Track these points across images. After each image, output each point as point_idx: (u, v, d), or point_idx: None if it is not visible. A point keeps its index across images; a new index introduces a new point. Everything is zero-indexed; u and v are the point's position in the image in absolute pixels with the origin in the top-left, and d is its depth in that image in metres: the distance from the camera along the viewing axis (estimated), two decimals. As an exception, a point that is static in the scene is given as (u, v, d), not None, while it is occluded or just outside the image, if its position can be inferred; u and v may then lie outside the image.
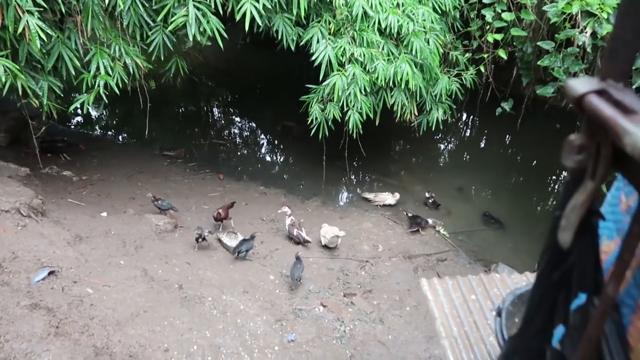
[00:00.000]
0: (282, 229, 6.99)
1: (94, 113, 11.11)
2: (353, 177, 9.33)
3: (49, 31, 5.18)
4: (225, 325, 4.42)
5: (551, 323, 0.85)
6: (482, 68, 8.12)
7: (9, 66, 5.06)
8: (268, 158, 10.55)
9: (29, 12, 4.96)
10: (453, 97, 8.01)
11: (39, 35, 5.01)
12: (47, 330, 3.40)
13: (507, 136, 11.07)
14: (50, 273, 4.33)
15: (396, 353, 4.62)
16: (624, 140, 0.56)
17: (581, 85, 0.67)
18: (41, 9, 5.13)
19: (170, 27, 5.84)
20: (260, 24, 6.14)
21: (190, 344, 4.02)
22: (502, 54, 7.84)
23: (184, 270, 5.39)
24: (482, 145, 11.56)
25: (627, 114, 0.59)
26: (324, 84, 6.88)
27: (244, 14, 5.92)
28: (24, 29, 4.96)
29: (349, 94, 6.83)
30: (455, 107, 8.39)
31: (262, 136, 11.47)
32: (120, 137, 10.38)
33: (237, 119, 12.40)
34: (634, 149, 0.54)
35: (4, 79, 5.02)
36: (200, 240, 5.89)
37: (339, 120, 7.12)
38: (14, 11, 4.93)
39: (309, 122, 7.18)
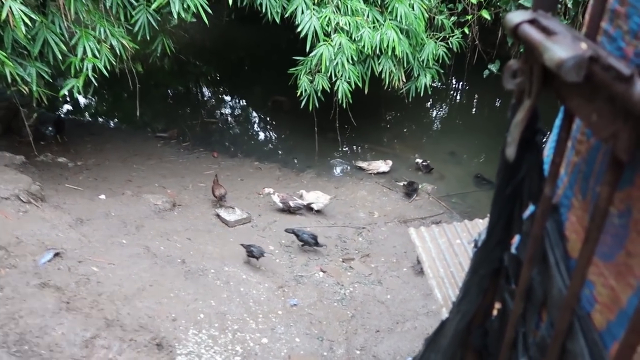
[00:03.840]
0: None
1: (83, 100, 11.08)
2: (346, 147, 9.42)
3: (33, 16, 5.18)
4: (230, 294, 4.58)
5: (509, 234, 0.97)
6: (466, 30, 8.15)
7: (-4, 54, 5.08)
8: (261, 134, 10.60)
9: (12, -2, 4.96)
10: (440, 61, 8.05)
11: (23, 20, 5.02)
12: (58, 306, 3.54)
13: (496, 98, 11.14)
14: (56, 255, 4.45)
15: (395, 310, 4.80)
16: (545, 56, 0.66)
17: (516, 16, 0.77)
18: (24, -5, 5.13)
19: (153, 6, 5.84)
20: (243, -3, 6.14)
21: (196, 312, 4.18)
22: (485, 14, 7.86)
23: (185, 246, 5.52)
24: (472, 108, 11.64)
25: (550, 35, 0.69)
26: (310, 55, 6.91)
27: (227, -11, 5.92)
28: (7, 15, 4.96)
29: (337, 63, 6.87)
30: (443, 71, 8.44)
31: (253, 112, 11.49)
32: (111, 122, 10.39)
33: (227, 96, 12.39)
34: (551, 61, 0.64)
35: (-8, 67, 5.05)
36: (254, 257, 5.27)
37: (328, 91, 7.17)
38: (-4, -2, 4.93)
39: (298, 94, 7.24)
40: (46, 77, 5.78)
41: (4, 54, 5.16)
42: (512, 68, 0.80)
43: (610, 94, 0.59)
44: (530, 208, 0.89)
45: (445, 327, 1.21)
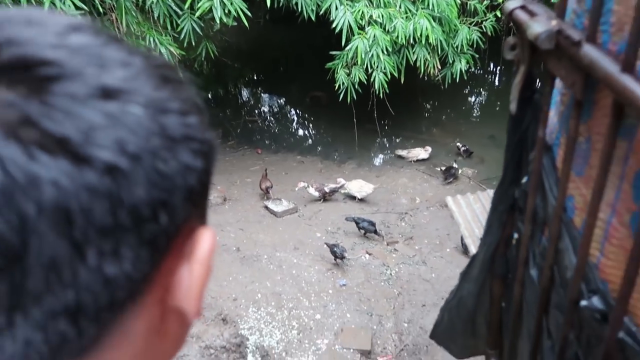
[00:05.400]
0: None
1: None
2: (385, 137, 9.63)
3: (91, 31, 5.67)
4: (283, 277, 4.92)
5: (519, 174, 1.21)
6: (498, 13, 8.18)
7: (62, 68, 5.59)
8: (301, 129, 10.95)
9: (73, 16, 5.45)
10: (475, 46, 8.12)
11: (83, 36, 5.50)
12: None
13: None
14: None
15: (440, 288, 5.01)
16: (528, 32, 0.90)
17: (511, 4, 1.01)
18: (82, 12, 5.62)
19: (197, 13, 6.24)
20: (280, -1, 6.46)
21: (254, 293, 4.55)
22: (519, -4, 7.87)
23: (239, 236, 5.91)
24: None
25: (533, 16, 0.93)
26: (346, 49, 7.16)
27: (265, -9, 6.25)
28: (70, 32, 5.46)
29: (372, 55, 7.09)
30: (478, 56, 8.50)
31: (293, 109, 11.85)
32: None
33: (266, 95, 12.81)
34: (531, 35, 0.88)
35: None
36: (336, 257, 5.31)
37: (365, 82, 7.41)
38: (60, 17, 5.43)
39: (336, 88, 7.51)
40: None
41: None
42: (510, 42, 1.05)
43: (570, 55, 0.83)
44: (532, 153, 1.13)
45: (475, 260, 1.46)
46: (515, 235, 1.26)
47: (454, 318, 1.69)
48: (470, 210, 2.29)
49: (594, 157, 0.88)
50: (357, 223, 6.06)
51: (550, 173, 1.03)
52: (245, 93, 13.23)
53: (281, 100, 12.36)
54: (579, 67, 0.80)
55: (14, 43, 0.31)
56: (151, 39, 6.49)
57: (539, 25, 0.86)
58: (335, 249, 5.29)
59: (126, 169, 0.31)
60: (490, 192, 2.43)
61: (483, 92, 11.81)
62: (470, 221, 2.22)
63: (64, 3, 5.42)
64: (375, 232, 5.99)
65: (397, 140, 9.59)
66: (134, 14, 6.35)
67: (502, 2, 6.50)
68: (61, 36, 0.33)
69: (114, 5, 6.23)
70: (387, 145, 9.50)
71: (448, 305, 1.63)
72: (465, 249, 5.50)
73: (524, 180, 1.18)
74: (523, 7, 0.97)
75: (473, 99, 11.55)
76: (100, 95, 0.32)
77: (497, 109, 10.82)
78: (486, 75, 12.05)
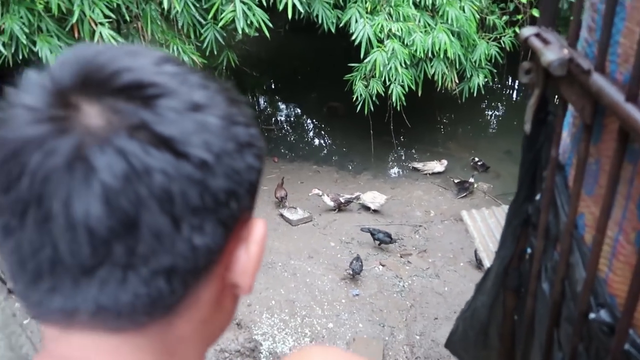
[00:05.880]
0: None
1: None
2: (401, 149, 9.66)
3: (119, 39, 5.85)
4: (297, 284, 4.98)
5: (533, 191, 1.26)
6: (517, 30, 8.21)
7: (88, 74, 5.77)
8: (318, 138, 11.04)
9: (101, 24, 5.64)
10: (493, 61, 8.15)
11: (111, 43, 5.69)
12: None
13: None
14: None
15: (453, 301, 5.02)
16: (542, 58, 0.96)
17: (526, 31, 1.08)
18: (110, 20, 5.80)
19: (220, 24, 6.38)
20: (301, 10, 6.58)
21: (268, 300, 4.62)
22: (536, 13, 7.90)
23: (254, 243, 5.99)
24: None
25: (546, 44, 0.99)
26: (365, 61, 7.25)
27: (286, 3, 6.38)
28: (97, 40, 5.65)
29: (390, 68, 7.16)
30: (496, 71, 8.52)
31: (310, 118, 11.95)
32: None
33: (284, 104, 12.92)
34: (545, 62, 0.94)
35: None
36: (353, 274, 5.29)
37: (383, 94, 7.47)
38: (89, 25, 5.63)
39: (353, 99, 7.58)
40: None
41: (95, 74, 5.85)
42: (525, 67, 1.11)
43: (580, 82, 0.89)
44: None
45: (489, 272, 1.51)
46: (529, 250, 1.31)
47: (468, 329, 1.73)
48: (484, 225, 2.32)
49: (603, 178, 0.94)
50: (372, 234, 6.11)
51: (562, 191, 1.08)
52: (262, 102, 13.37)
53: (298, 110, 12.47)
54: (588, 94, 0.86)
55: (128, 70, 0.41)
56: (175, 47, 6.65)
57: (552, 53, 0.92)
58: (354, 262, 5.30)
59: (212, 164, 0.40)
60: (505, 208, 2.47)
61: (500, 107, 11.80)
62: (485, 235, 2.25)
63: (92, 11, 5.61)
64: (392, 241, 6.03)
65: (413, 153, 9.63)
66: (159, 23, 6.52)
67: (522, 17, 6.56)
68: (159, 65, 0.44)
69: (139, 14, 6.42)
70: (403, 157, 9.54)
71: (463, 315, 1.68)
72: (479, 264, 5.50)
73: (538, 197, 1.23)
74: (538, 35, 1.03)
75: (490, 113, 11.54)
76: (191, 108, 0.42)
77: (515, 123, 10.79)
78: (504, 90, 12.04)
